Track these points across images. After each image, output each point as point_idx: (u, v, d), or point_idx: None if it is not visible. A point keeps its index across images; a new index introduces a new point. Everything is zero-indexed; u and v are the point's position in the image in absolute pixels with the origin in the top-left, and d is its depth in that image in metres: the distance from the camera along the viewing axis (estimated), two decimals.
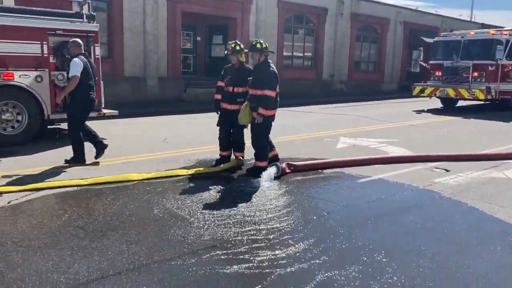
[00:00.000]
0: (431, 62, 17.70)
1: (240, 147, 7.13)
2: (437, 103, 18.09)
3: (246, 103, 6.62)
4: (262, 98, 6.40)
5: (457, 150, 8.65)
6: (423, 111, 16.41)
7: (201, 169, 6.83)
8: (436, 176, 6.78)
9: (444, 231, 4.62)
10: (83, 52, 7.32)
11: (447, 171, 7.11)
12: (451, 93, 16.24)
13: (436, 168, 7.30)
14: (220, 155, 7.20)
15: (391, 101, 20.74)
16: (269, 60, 6.62)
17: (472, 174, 6.92)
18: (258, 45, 6.49)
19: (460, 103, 18.19)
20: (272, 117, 6.67)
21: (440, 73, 17.03)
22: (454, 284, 3.50)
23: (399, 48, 27.10)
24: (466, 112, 16.34)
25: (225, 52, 7.12)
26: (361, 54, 25.78)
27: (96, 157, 7.26)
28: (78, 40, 7.35)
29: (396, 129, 11.79)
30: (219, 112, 7.14)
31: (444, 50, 17.14)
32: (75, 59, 7.01)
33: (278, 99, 6.70)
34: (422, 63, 18.56)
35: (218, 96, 7.09)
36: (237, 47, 6.87)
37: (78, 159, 7.09)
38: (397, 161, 7.72)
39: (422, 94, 17.22)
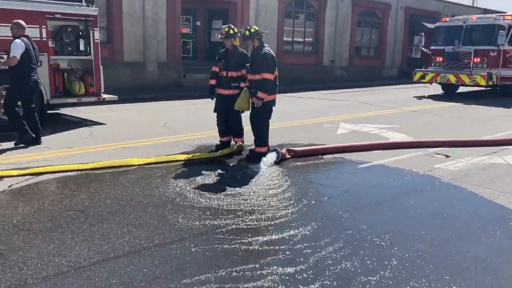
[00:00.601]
0: (432, 47, 17.57)
1: (239, 133, 7.09)
2: (438, 89, 18.03)
3: (245, 89, 6.57)
4: (260, 82, 6.35)
5: (458, 136, 8.65)
6: (423, 97, 16.37)
7: (200, 154, 6.83)
8: (436, 162, 6.78)
9: (443, 216, 4.63)
10: (25, 34, 7.32)
11: (447, 156, 7.12)
12: (452, 79, 16.17)
13: (436, 153, 7.30)
14: (220, 141, 7.18)
15: (392, 87, 20.67)
16: (265, 45, 6.53)
17: (472, 159, 6.92)
18: (247, 32, 6.42)
19: (461, 89, 18.14)
20: (272, 102, 6.61)
21: (441, 59, 16.93)
22: (453, 268, 3.52)
23: (400, 33, 26.91)
24: (467, 98, 16.30)
25: (219, 36, 7.05)
26: (362, 40, 25.61)
27: (16, 143, 7.19)
28: (21, 21, 7.36)
29: (396, 115, 11.77)
30: (214, 98, 7.11)
31: (446, 36, 17.01)
32: (17, 40, 7.05)
33: (277, 83, 6.66)
34: (423, 48, 18.44)
35: (213, 82, 7.03)
36: (231, 31, 6.79)
37: (24, 137, 7.13)
38: (398, 146, 7.72)
39: (423, 80, 17.14)
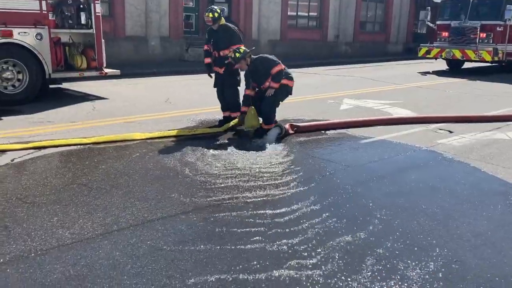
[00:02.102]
0: (438, 22, 17.29)
1: (235, 108, 7.03)
2: (443, 65, 17.83)
3: (250, 107, 6.57)
4: (273, 76, 6.34)
5: (462, 111, 8.59)
6: (428, 72, 16.21)
7: (203, 129, 6.82)
8: (439, 137, 6.75)
9: (445, 191, 4.64)
10: None
11: (451, 132, 7.08)
12: (458, 54, 15.96)
13: (440, 129, 7.26)
14: (223, 116, 7.19)
15: (397, 63, 20.45)
16: (253, 56, 6.47)
17: (475, 135, 6.89)
18: (237, 54, 6.31)
19: (466, 65, 17.92)
20: (289, 88, 6.58)
21: (447, 34, 16.67)
22: (454, 241, 3.54)
23: (406, 8, 26.46)
24: (472, 74, 16.13)
25: (206, 21, 6.94)
26: (367, 15, 25.20)
27: None
28: None
29: (400, 90, 11.68)
30: (212, 75, 7.13)
31: (452, 10, 16.71)
32: None
33: (289, 72, 6.60)
34: (429, 23, 18.14)
35: (208, 60, 7.03)
36: (215, 14, 6.71)
37: None
38: (401, 122, 7.68)
39: (428, 56, 16.93)
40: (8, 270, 2.95)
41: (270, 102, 6.47)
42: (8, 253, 3.15)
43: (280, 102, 6.63)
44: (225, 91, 7.00)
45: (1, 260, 3.06)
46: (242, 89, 6.97)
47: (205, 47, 7.05)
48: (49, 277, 2.89)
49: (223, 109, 7.18)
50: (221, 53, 6.80)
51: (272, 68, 6.32)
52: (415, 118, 7.92)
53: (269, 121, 6.58)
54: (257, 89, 6.67)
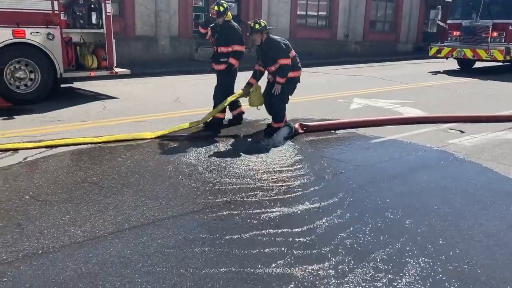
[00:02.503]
0: (449, 21, 17.14)
1: (231, 105, 7.08)
2: (453, 64, 17.68)
3: (255, 86, 6.58)
4: (279, 69, 6.35)
5: (473, 111, 8.51)
6: (439, 72, 16.08)
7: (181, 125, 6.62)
8: (450, 137, 6.70)
9: (457, 191, 4.60)
10: None
11: (462, 132, 7.03)
12: (469, 53, 15.81)
13: (451, 129, 7.21)
14: (232, 115, 7.26)
15: (407, 62, 20.33)
16: (271, 35, 6.46)
17: (487, 135, 6.83)
18: (257, 26, 6.29)
19: (477, 64, 17.75)
20: (296, 79, 6.58)
21: (458, 33, 16.51)
22: (465, 241, 3.52)
23: (416, 7, 26.27)
24: (484, 73, 15.97)
25: (210, 15, 7.00)
26: (377, 14, 25.08)
27: None
28: None
29: (410, 90, 11.61)
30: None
31: (463, 9, 16.55)
32: None
33: (298, 60, 6.62)
34: (440, 22, 17.99)
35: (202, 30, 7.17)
36: (221, 8, 6.74)
37: None
38: (411, 122, 7.63)
39: (438, 55, 16.78)
40: (21, 267, 2.98)
41: (279, 100, 6.49)
42: (22, 250, 3.19)
43: (290, 96, 6.65)
44: (216, 90, 7.04)
45: (15, 257, 3.09)
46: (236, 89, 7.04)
47: (202, 30, 7.13)
48: (62, 275, 2.91)
49: (229, 108, 7.21)
50: (219, 49, 6.82)
51: (280, 58, 6.32)
52: (425, 118, 7.87)
53: (278, 119, 6.59)
54: (266, 72, 6.71)
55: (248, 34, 6.49)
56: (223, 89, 6.98)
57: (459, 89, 11.94)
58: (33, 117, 7.45)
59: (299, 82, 6.67)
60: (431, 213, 4.04)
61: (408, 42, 26.31)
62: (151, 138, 6.18)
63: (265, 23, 6.44)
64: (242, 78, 7.19)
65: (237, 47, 6.78)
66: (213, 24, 7.05)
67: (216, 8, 6.75)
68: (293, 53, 6.47)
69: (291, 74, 6.42)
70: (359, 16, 23.38)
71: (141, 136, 6.20)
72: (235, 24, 6.94)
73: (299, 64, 6.58)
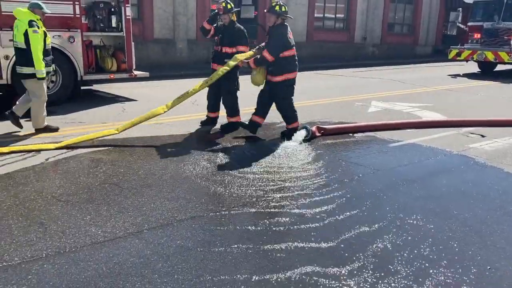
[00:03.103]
0: (469, 23, 16.92)
1: (231, 112, 6.92)
2: (474, 67, 17.44)
3: (260, 68, 6.40)
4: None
5: (494, 115, 8.38)
6: (458, 75, 15.88)
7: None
8: (471, 142, 6.62)
9: (478, 196, 4.54)
10: None
11: (483, 136, 6.93)
12: (490, 56, 15.58)
13: (471, 133, 7.11)
14: (206, 115, 7.22)
15: (425, 65, 20.11)
16: (286, 24, 6.32)
17: (509, 140, 6.72)
18: (277, 8, 6.19)
19: (499, 67, 17.47)
20: (289, 81, 6.38)
21: (479, 36, 16.29)
22: (487, 248, 3.47)
23: (436, 9, 25.97)
24: (505, 77, 15.72)
25: (216, 10, 6.96)
26: (395, 16, 24.87)
27: None
28: None
29: (430, 93, 11.48)
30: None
31: (485, 11, 16.33)
32: None
33: (297, 62, 6.43)
34: (460, 25, 17.77)
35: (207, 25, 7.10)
36: (228, 6, 6.72)
37: None
38: (431, 125, 7.56)
39: (458, 58, 16.58)
40: (45, 266, 3.04)
41: (286, 105, 6.49)
42: (45, 249, 3.25)
43: (293, 98, 6.55)
44: (223, 96, 6.96)
45: (39, 256, 3.16)
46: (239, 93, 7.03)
47: (205, 24, 7.06)
48: (83, 274, 2.96)
49: (211, 109, 7.17)
50: (223, 50, 6.79)
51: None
52: (445, 122, 7.77)
53: (292, 120, 6.58)
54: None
55: (265, 10, 6.43)
56: (230, 90, 6.92)
57: (480, 92, 11.78)
58: (54, 118, 7.57)
59: (294, 84, 6.48)
60: (451, 218, 3.99)
61: (427, 44, 26.03)
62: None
63: (286, 9, 6.29)
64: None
65: (242, 48, 6.74)
66: (217, 24, 7.02)
67: (223, 4, 6.73)
68: (290, 52, 6.27)
69: (281, 77, 6.26)
70: (377, 18, 23.22)
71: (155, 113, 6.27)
72: (241, 27, 6.92)
73: (296, 67, 6.38)
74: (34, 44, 6.31)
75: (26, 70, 6.44)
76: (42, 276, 2.93)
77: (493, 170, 5.39)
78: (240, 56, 6.47)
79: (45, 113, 6.70)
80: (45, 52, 6.54)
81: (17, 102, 6.74)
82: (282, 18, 6.27)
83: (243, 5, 19.90)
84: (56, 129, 6.74)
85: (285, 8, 6.27)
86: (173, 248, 3.33)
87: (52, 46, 8.34)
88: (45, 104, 6.73)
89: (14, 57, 8.01)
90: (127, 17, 9.41)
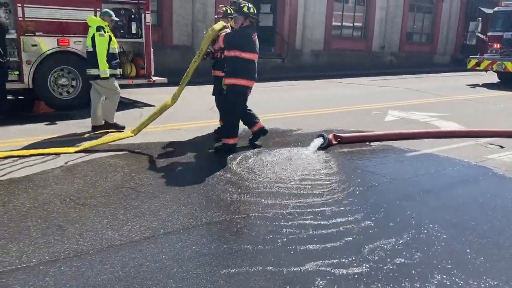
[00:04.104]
0: (489, 33, 16.75)
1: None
2: (493, 78, 17.22)
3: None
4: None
5: None
6: (477, 85, 15.70)
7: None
8: (489, 152, 6.52)
9: (496, 208, 4.47)
10: None
11: (502, 147, 6.82)
12: (510, 67, 15.37)
13: (490, 144, 7.02)
14: (220, 123, 7.04)
15: (444, 75, 19.93)
16: (253, 26, 6.11)
17: None
18: (245, 9, 5.97)
19: None
20: (243, 88, 6.11)
21: (498, 46, 16.12)
22: (505, 261, 3.41)
23: (455, 19, 25.77)
24: None
25: (215, 16, 6.96)
26: (414, 25, 24.73)
27: None
28: None
29: (448, 103, 11.36)
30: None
31: (505, 21, 16.15)
32: None
33: (255, 73, 6.18)
34: (479, 35, 17.60)
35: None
36: (228, 11, 6.70)
37: None
38: (448, 135, 7.48)
39: (477, 68, 16.40)
40: (62, 268, 3.09)
41: (228, 113, 6.22)
42: (63, 251, 3.31)
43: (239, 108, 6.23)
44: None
45: (56, 258, 3.21)
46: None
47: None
48: (100, 277, 3.00)
49: (221, 117, 6.98)
50: (223, 56, 6.62)
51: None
52: (463, 132, 7.68)
53: (227, 134, 6.20)
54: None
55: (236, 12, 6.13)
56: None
57: (499, 103, 11.61)
58: (74, 122, 7.72)
59: (248, 93, 6.22)
60: (468, 230, 3.94)
61: (445, 54, 25.81)
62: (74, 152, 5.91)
63: (254, 10, 6.10)
64: None
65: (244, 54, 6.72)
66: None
67: (224, 9, 6.72)
68: (253, 56, 6.05)
69: (235, 81, 6.02)
70: (395, 27, 23.12)
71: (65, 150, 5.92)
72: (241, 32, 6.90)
73: (254, 74, 6.14)
74: (99, 47, 6.83)
75: (93, 71, 6.96)
76: (59, 278, 2.98)
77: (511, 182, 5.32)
78: (217, 26, 6.28)
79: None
80: (111, 56, 7.01)
81: (91, 116, 7.20)
82: (250, 20, 6.07)
83: (262, 13, 20.04)
84: (122, 128, 7.19)
85: (253, 9, 6.09)
86: (189, 254, 3.35)
87: (74, 52, 8.57)
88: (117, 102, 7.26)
89: (36, 62, 8.24)
90: (147, 23, 9.56)
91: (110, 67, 7.00)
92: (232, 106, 6.19)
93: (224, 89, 6.23)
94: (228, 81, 6.09)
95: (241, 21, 6.06)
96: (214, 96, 7.19)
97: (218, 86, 6.82)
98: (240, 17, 6.05)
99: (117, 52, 7.31)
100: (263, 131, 6.64)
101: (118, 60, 7.29)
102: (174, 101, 6.45)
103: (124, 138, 6.32)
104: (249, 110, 6.58)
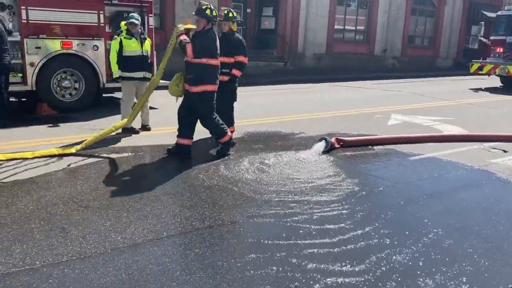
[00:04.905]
0: (492, 37, 16.75)
1: (230, 121, 6.84)
2: (496, 82, 17.20)
3: (178, 74, 6.14)
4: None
5: None
6: (480, 89, 15.69)
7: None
8: (492, 157, 6.51)
9: (500, 212, 4.46)
10: None
11: (505, 151, 6.81)
12: None
13: (493, 148, 7.00)
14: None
15: (446, 78, 19.92)
16: (214, 30, 5.94)
17: None
18: (208, 11, 5.73)
19: None
20: (210, 94, 5.88)
21: (501, 50, 16.11)
22: (510, 266, 3.40)
23: (457, 22, 25.78)
24: None
25: (218, 16, 6.89)
26: (416, 29, 24.75)
27: None
28: None
29: (450, 107, 11.36)
30: None
31: (507, 25, 16.16)
32: None
33: (218, 75, 6.02)
34: (482, 39, 17.58)
35: None
36: (230, 14, 6.65)
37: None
38: (451, 139, 7.47)
39: (480, 72, 16.39)
40: (65, 270, 3.09)
41: (209, 122, 6.02)
42: (66, 254, 3.30)
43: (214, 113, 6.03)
44: (223, 105, 6.64)
45: (59, 261, 3.21)
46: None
47: None
48: (103, 279, 3.00)
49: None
50: (221, 60, 6.45)
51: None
52: (466, 136, 7.67)
53: (220, 135, 6.09)
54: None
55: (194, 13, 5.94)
56: (231, 104, 6.93)
57: (502, 107, 11.60)
58: (76, 125, 7.73)
59: (212, 100, 5.94)
60: (472, 234, 3.93)
61: (448, 58, 25.81)
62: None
63: (216, 13, 5.93)
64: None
65: (241, 58, 6.69)
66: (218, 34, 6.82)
67: (225, 11, 6.65)
68: (216, 62, 5.88)
69: (202, 87, 5.79)
70: (397, 31, 23.15)
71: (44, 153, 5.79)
72: (240, 37, 6.87)
73: (216, 79, 5.95)
74: (111, 50, 7.27)
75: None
76: (62, 280, 2.97)
77: None
78: (182, 26, 5.97)
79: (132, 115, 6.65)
80: (125, 59, 7.21)
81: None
82: (212, 23, 5.88)
83: (263, 16, 20.09)
84: (137, 132, 7.28)
85: (215, 12, 5.87)
86: (191, 257, 3.35)
87: (77, 54, 8.57)
88: (130, 105, 7.36)
89: (40, 64, 8.26)
90: (150, 26, 9.56)
91: (126, 70, 7.21)
92: (206, 113, 5.94)
93: (187, 97, 5.95)
94: (195, 89, 5.78)
95: (203, 24, 5.80)
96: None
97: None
98: (202, 20, 5.80)
99: (137, 55, 7.29)
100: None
101: (140, 63, 7.38)
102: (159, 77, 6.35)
103: (115, 131, 6.37)
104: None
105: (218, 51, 5.93)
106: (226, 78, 6.59)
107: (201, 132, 7.38)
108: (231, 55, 6.64)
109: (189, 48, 5.72)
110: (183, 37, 5.83)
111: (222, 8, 6.93)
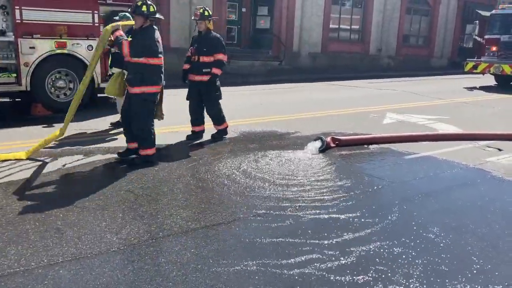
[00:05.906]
0: (486, 36, 16.81)
1: (218, 120, 6.92)
2: (490, 80, 17.27)
3: (117, 73, 6.08)
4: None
5: (511, 129, 8.27)
6: (475, 88, 15.74)
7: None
8: (488, 155, 6.54)
9: (495, 211, 4.48)
10: None
11: (500, 150, 6.84)
12: (507, 69, 15.42)
13: (488, 146, 7.03)
14: (191, 130, 6.98)
15: (441, 77, 19.98)
16: (155, 27, 5.61)
17: None
18: (144, 8, 5.37)
19: None
20: (152, 95, 5.59)
21: (496, 49, 16.18)
22: (505, 264, 3.41)
23: (452, 21, 25.86)
24: None
25: (193, 17, 6.83)
26: (411, 28, 24.80)
27: None
28: None
29: (445, 106, 11.39)
30: (186, 82, 7.01)
31: (502, 24, 16.22)
32: None
33: (162, 76, 5.73)
34: (476, 37, 17.66)
35: (186, 66, 6.90)
36: (205, 13, 6.61)
37: None
38: (447, 138, 7.49)
39: (474, 71, 16.45)
40: (60, 271, 3.07)
41: (142, 125, 5.54)
42: (61, 254, 3.29)
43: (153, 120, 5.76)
44: (208, 105, 6.83)
45: (55, 261, 3.19)
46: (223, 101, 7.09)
47: (188, 54, 6.88)
48: (98, 280, 2.98)
49: (193, 123, 6.97)
50: (201, 59, 6.61)
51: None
52: (461, 135, 7.69)
53: (145, 144, 5.58)
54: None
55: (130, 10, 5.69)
56: (217, 103, 6.93)
57: (496, 105, 11.65)
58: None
59: (155, 100, 5.72)
60: (467, 233, 3.94)
61: (442, 57, 25.89)
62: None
63: (155, 9, 5.58)
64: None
65: (220, 56, 6.67)
66: (195, 34, 6.88)
67: (201, 10, 6.60)
68: (158, 61, 5.54)
69: (145, 89, 5.46)
70: (392, 30, 23.18)
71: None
72: (218, 35, 6.85)
73: (160, 80, 5.66)
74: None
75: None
76: (57, 281, 2.96)
77: (510, 185, 5.32)
78: (111, 27, 5.60)
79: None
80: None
81: None
82: (151, 20, 5.54)
83: (259, 15, 20.06)
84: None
85: (153, 8, 5.49)
86: (187, 257, 3.34)
87: (71, 54, 8.53)
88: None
89: (34, 64, 8.22)
90: None
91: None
92: (143, 116, 5.53)
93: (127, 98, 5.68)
94: (135, 90, 5.44)
95: (140, 22, 5.45)
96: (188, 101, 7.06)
97: (193, 90, 6.91)
98: (139, 18, 5.44)
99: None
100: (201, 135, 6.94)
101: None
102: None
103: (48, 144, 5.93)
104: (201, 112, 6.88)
105: (161, 50, 5.54)
106: (206, 78, 6.65)
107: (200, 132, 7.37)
108: (211, 53, 6.62)
109: (125, 45, 5.36)
110: (119, 33, 5.51)
111: (197, 7, 6.88)
